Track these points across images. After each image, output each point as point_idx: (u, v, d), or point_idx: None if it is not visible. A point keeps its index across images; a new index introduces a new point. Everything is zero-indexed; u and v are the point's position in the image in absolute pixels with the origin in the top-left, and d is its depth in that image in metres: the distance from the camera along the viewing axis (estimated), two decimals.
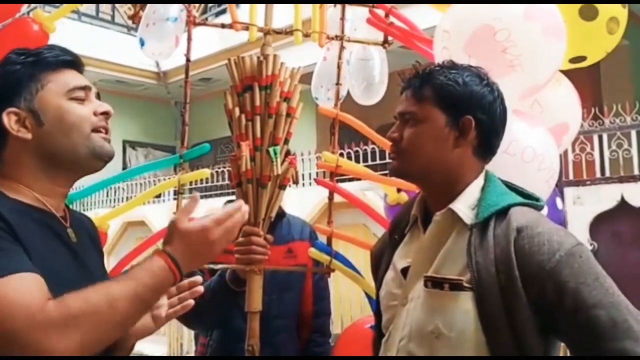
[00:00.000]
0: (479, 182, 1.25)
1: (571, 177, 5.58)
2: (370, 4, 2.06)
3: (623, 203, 5.24)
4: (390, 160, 1.31)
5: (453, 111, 1.21)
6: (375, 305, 1.43)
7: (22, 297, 0.92)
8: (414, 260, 1.27)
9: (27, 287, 0.94)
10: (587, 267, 1.09)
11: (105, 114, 1.19)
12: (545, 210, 2.07)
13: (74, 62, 1.19)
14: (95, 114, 1.17)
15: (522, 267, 1.10)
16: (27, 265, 0.97)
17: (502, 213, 1.18)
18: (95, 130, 1.16)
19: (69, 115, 1.13)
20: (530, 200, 1.24)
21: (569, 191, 5.48)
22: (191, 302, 1.25)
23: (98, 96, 1.21)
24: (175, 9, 1.84)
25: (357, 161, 5.76)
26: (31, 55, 1.15)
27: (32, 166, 1.13)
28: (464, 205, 1.22)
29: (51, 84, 1.14)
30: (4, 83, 1.13)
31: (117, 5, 10.16)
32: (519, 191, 1.27)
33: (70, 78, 1.17)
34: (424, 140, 1.22)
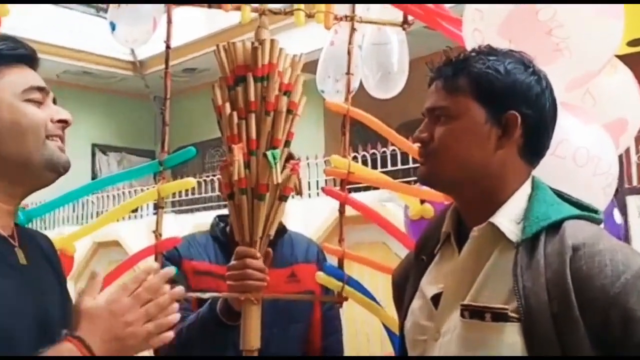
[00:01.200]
0: (525, 190, 1.26)
1: (635, 183, 5.56)
2: None
3: None
4: (418, 165, 1.32)
5: (494, 105, 1.22)
6: (399, 341, 1.44)
7: None
8: (447, 286, 1.28)
9: None
10: None
11: (64, 122, 1.23)
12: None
13: (30, 58, 1.23)
14: (52, 120, 1.21)
15: (580, 292, 1.10)
16: None
17: (554, 228, 1.18)
18: (50, 137, 1.20)
19: (24, 118, 1.17)
20: (587, 212, 1.25)
21: (632, 200, 5.45)
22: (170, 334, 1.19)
23: (54, 101, 1.25)
24: None
25: (374, 166, 5.76)
26: None
27: None
28: (508, 219, 1.22)
29: (5, 80, 1.18)
30: None
31: None
32: (572, 202, 1.27)
33: (26, 76, 1.21)
34: (461, 140, 1.23)
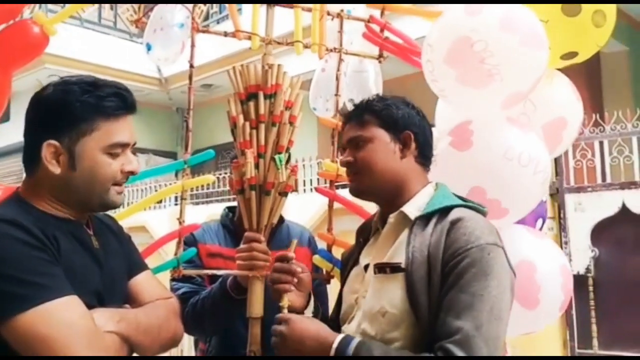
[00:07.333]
0: (429, 190, 1.45)
1: (572, 183, 5.59)
2: (366, 20, 2.11)
3: (624, 209, 5.26)
4: (349, 183, 1.52)
5: (394, 129, 1.45)
6: (336, 300, 1.62)
7: (81, 321, 1.10)
8: (374, 257, 1.45)
9: (80, 310, 1.11)
10: (487, 266, 1.24)
11: (131, 173, 1.29)
12: (540, 223, 2.14)
13: (129, 112, 1.29)
14: (122, 171, 1.27)
15: (445, 250, 1.27)
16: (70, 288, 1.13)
17: (445, 212, 1.35)
18: (115, 184, 1.26)
19: (99, 170, 1.24)
20: (474, 205, 1.40)
21: (569, 197, 5.49)
22: None
23: (135, 149, 1.31)
24: (181, 15, 1.85)
25: None
26: (94, 97, 1.21)
27: (51, 195, 1.24)
28: (414, 208, 1.41)
29: (98, 132, 1.22)
30: (59, 113, 1.20)
31: (119, 11, 10.19)
32: (466, 201, 1.42)
33: (117, 130, 1.25)
34: (376, 156, 1.45)
